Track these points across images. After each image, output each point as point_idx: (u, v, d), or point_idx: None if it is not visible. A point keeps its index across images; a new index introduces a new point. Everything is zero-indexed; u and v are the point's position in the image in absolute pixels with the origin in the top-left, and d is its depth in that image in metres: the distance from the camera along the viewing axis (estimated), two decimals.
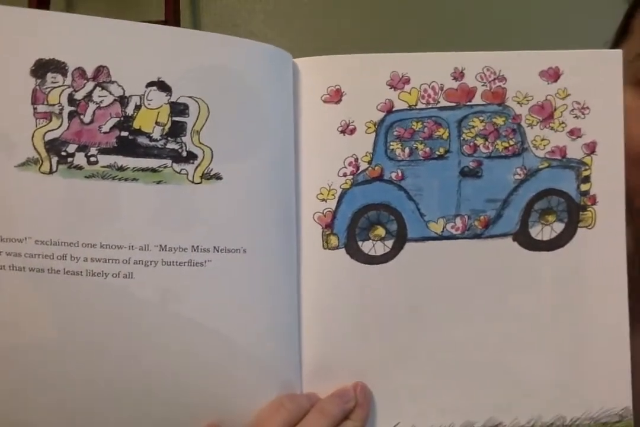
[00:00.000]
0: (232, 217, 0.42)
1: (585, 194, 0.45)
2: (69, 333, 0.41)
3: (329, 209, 0.45)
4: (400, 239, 0.45)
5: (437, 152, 0.45)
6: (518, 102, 0.45)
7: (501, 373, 0.45)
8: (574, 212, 0.45)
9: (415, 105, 0.45)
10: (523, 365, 0.45)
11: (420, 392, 0.45)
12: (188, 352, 0.42)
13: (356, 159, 0.45)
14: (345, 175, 0.45)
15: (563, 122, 0.45)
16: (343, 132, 0.45)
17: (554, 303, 0.45)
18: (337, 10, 1.63)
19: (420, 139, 0.45)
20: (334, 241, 0.45)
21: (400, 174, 0.45)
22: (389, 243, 0.45)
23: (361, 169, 0.45)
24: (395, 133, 0.45)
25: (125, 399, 0.42)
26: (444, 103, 0.45)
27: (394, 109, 0.45)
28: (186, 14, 1.64)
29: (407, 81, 0.45)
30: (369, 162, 0.45)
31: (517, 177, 0.45)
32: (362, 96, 0.45)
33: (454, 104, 0.45)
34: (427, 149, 0.45)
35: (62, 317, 0.41)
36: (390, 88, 0.45)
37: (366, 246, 0.45)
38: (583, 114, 0.45)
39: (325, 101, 0.45)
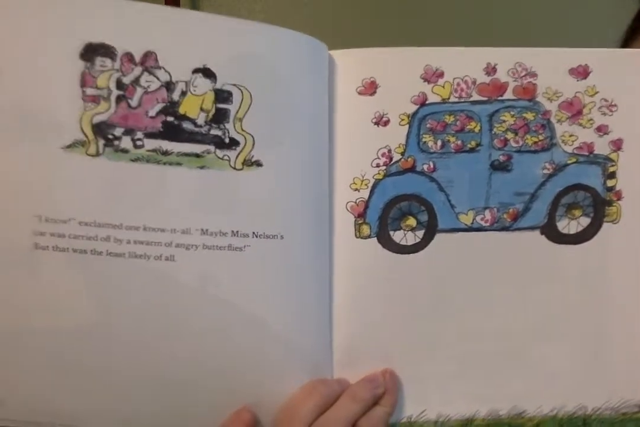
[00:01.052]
0: (272, 204, 0.45)
1: (611, 189, 0.48)
2: (109, 315, 0.43)
3: (362, 199, 0.47)
4: (431, 230, 0.47)
5: (469, 145, 0.48)
6: (548, 98, 0.48)
7: (525, 363, 0.48)
8: (600, 207, 0.48)
9: (448, 98, 0.47)
10: (546, 355, 0.48)
11: (446, 380, 0.48)
12: (224, 336, 0.45)
13: (389, 150, 0.47)
14: (378, 166, 0.47)
15: (591, 119, 0.48)
16: (377, 123, 0.47)
17: (577, 295, 0.48)
18: (338, 10, 1.65)
19: (452, 132, 0.48)
20: (366, 230, 0.47)
21: (432, 166, 0.47)
22: (420, 233, 0.47)
23: (394, 160, 0.47)
24: (428, 126, 0.47)
25: (162, 382, 0.45)
26: (476, 97, 0.48)
27: (427, 102, 0.47)
28: None
29: (441, 75, 0.47)
30: (402, 154, 0.47)
31: (545, 171, 0.48)
32: (396, 89, 0.47)
33: (485, 99, 0.48)
34: (459, 142, 0.48)
35: (103, 298, 0.43)
36: (424, 81, 0.47)
37: (397, 236, 0.47)
38: (610, 111, 0.48)
39: (360, 93, 0.47)
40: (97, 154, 0.42)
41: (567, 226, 0.48)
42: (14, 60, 0.41)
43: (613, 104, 0.48)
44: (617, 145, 0.48)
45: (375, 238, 0.47)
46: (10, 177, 0.41)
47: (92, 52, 0.42)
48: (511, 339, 0.48)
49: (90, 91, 0.42)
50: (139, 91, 0.43)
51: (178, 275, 0.43)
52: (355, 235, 0.47)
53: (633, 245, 0.48)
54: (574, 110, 0.48)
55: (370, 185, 0.47)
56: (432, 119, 0.47)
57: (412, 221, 0.47)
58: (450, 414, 0.48)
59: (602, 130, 0.48)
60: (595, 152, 0.48)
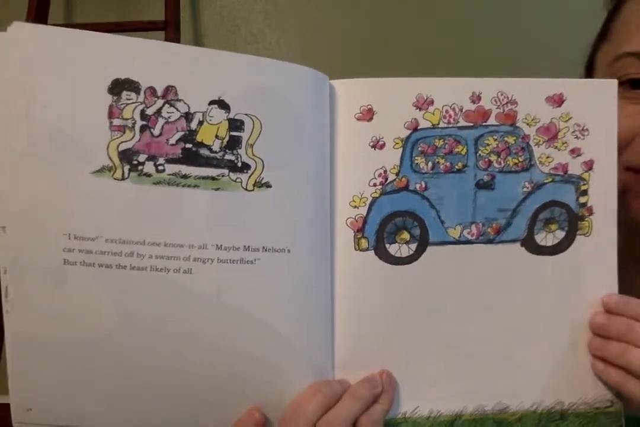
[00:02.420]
0: (280, 221, 0.49)
1: (583, 205, 0.53)
2: (131, 324, 0.48)
3: (361, 215, 0.52)
4: (423, 243, 0.53)
5: (456, 166, 0.53)
6: (527, 124, 0.53)
7: (508, 363, 0.53)
8: (574, 221, 0.53)
9: (438, 124, 0.53)
10: (527, 356, 0.53)
11: (437, 379, 0.53)
12: (235, 342, 0.49)
13: (385, 171, 0.52)
14: (375, 185, 0.52)
15: (565, 142, 0.53)
16: (374, 146, 0.52)
17: (554, 301, 0.53)
18: (337, 10, 1.68)
19: (442, 154, 0.53)
20: (364, 243, 0.52)
21: (423, 185, 0.52)
22: (413, 246, 0.53)
23: (389, 180, 0.52)
24: (419, 149, 0.52)
25: (178, 385, 0.49)
26: (462, 123, 0.53)
27: (419, 128, 0.52)
28: (186, 14, 1.70)
29: (431, 103, 0.52)
30: (397, 174, 0.52)
31: (525, 189, 0.53)
32: (391, 115, 0.52)
33: (471, 124, 0.53)
34: (448, 164, 0.53)
35: (126, 309, 0.47)
36: (416, 108, 0.52)
37: (393, 249, 0.52)
38: (583, 135, 0.53)
39: (358, 119, 0.52)
40: (123, 178, 0.47)
41: (545, 238, 0.54)
42: (53, 96, 0.46)
43: (585, 128, 0.53)
44: (589, 166, 0.53)
45: (373, 251, 0.52)
46: (44, 199, 0.46)
47: (119, 87, 0.46)
48: (496, 342, 0.53)
49: (116, 122, 0.46)
50: (161, 121, 0.47)
51: (195, 286, 0.48)
52: (355, 248, 0.52)
53: (603, 256, 0.53)
54: (550, 135, 0.53)
55: (368, 202, 0.52)
56: (424, 142, 0.52)
57: (406, 235, 0.52)
58: (441, 410, 0.53)
59: (575, 152, 0.53)
60: (569, 172, 0.54)
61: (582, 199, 0.53)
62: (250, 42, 1.73)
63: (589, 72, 0.66)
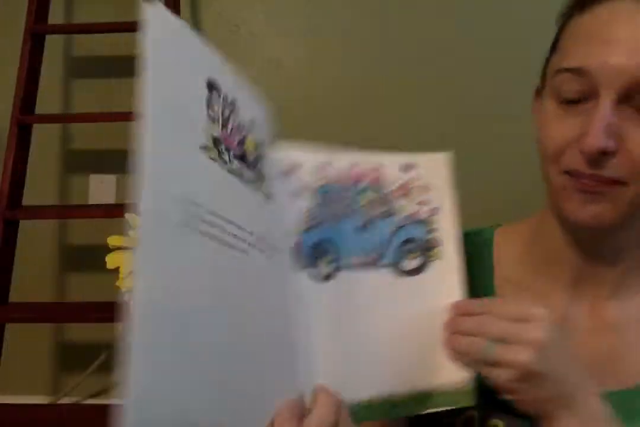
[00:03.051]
0: (278, 226, 0.60)
1: (432, 240, 0.75)
2: (219, 299, 0.50)
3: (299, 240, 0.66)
4: (338, 266, 0.69)
5: (351, 210, 0.71)
6: (390, 183, 0.74)
7: (391, 362, 0.70)
8: (426, 251, 0.75)
9: (338, 181, 0.72)
10: (403, 353, 0.71)
11: (355, 377, 0.67)
12: (261, 320, 0.55)
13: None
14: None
15: (415, 196, 0.75)
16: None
17: (418, 310, 0.72)
18: (337, 10, 1.73)
19: (343, 202, 0.71)
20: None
21: (335, 223, 0.70)
22: (332, 267, 0.69)
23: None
24: (329, 197, 0.71)
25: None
26: (351, 181, 0.72)
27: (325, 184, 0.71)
28: (186, 14, 1.70)
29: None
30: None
31: (392, 229, 0.73)
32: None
33: (354, 182, 0.72)
34: (348, 209, 0.71)
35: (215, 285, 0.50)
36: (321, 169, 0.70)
37: (320, 269, 0.68)
38: (428, 191, 0.76)
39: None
40: (214, 160, 0.51)
41: (407, 264, 0.73)
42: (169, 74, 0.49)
43: (430, 187, 0.76)
44: (434, 212, 0.76)
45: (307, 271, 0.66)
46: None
47: (212, 84, 0.52)
48: (380, 344, 0.70)
49: (210, 113, 0.51)
50: (231, 124, 0.54)
51: (250, 268, 0.54)
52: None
53: (449, 275, 0.75)
54: (405, 191, 0.75)
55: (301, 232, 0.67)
56: (331, 193, 0.71)
57: (329, 258, 0.68)
58: (361, 397, 0.67)
59: (423, 203, 0.75)
60: (419, 217, 0.75)
61: (431, 235, 0.75)
62: (251, 42, 1.75)
63: (543, 82, 0.78)
